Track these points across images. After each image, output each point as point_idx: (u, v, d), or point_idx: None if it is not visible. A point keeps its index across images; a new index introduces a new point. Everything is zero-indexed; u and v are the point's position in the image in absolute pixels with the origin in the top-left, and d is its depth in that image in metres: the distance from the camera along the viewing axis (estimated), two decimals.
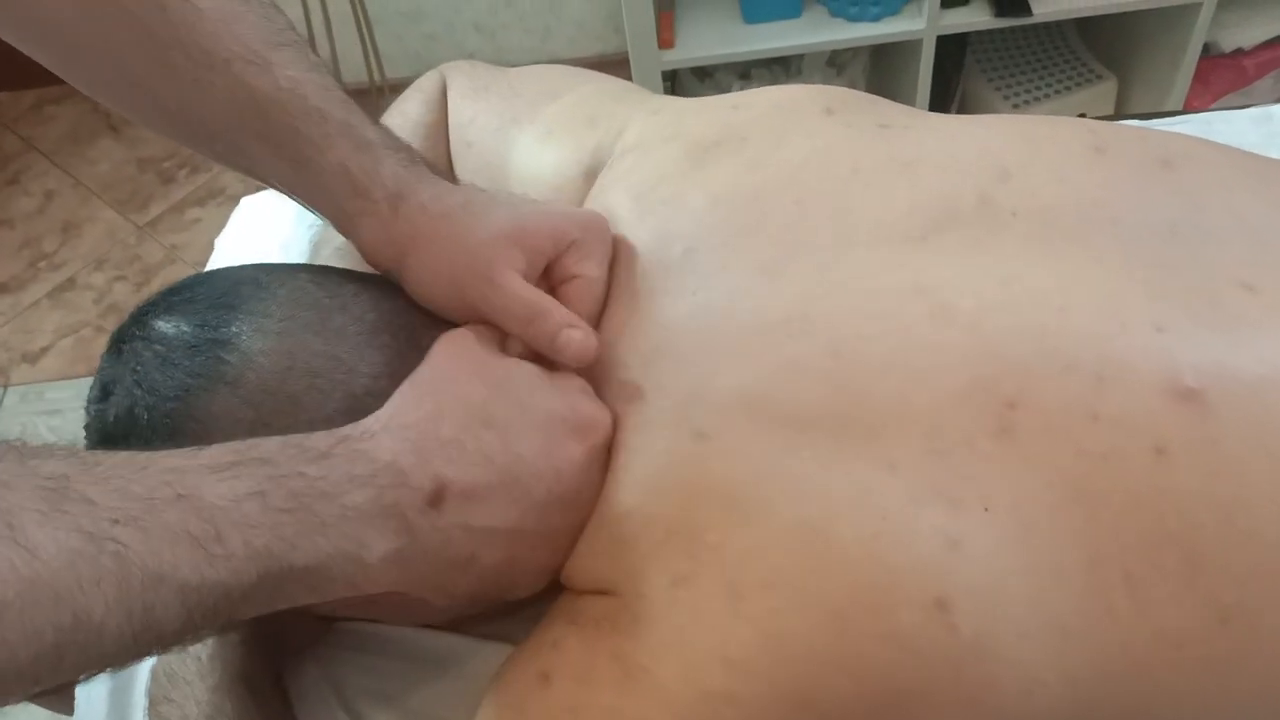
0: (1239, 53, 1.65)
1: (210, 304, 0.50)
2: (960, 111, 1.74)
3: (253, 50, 0.51)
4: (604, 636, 0.47)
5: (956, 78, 1.71)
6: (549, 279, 0.55)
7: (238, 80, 0.51)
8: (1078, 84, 1.70)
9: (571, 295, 0.55)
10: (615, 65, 1.70)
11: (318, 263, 0.68)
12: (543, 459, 0.48)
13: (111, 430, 0.49)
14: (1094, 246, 0.50)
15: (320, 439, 0.44)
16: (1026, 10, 1.48)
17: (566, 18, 1.88)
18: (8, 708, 0.34)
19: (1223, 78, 1.66)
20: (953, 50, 1.63)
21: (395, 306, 0.54)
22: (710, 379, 0.49)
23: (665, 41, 1.52)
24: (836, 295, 0.50)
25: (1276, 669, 0.45)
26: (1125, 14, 1.55)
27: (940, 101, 1.67)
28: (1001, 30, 1.70)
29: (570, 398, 0.50)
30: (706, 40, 1.54)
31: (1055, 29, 1.76)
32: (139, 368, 0.48)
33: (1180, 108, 1.59)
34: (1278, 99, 1.67)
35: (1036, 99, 1.68)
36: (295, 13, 1.54)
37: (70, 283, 1.76)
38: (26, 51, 0.51)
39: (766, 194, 0.54)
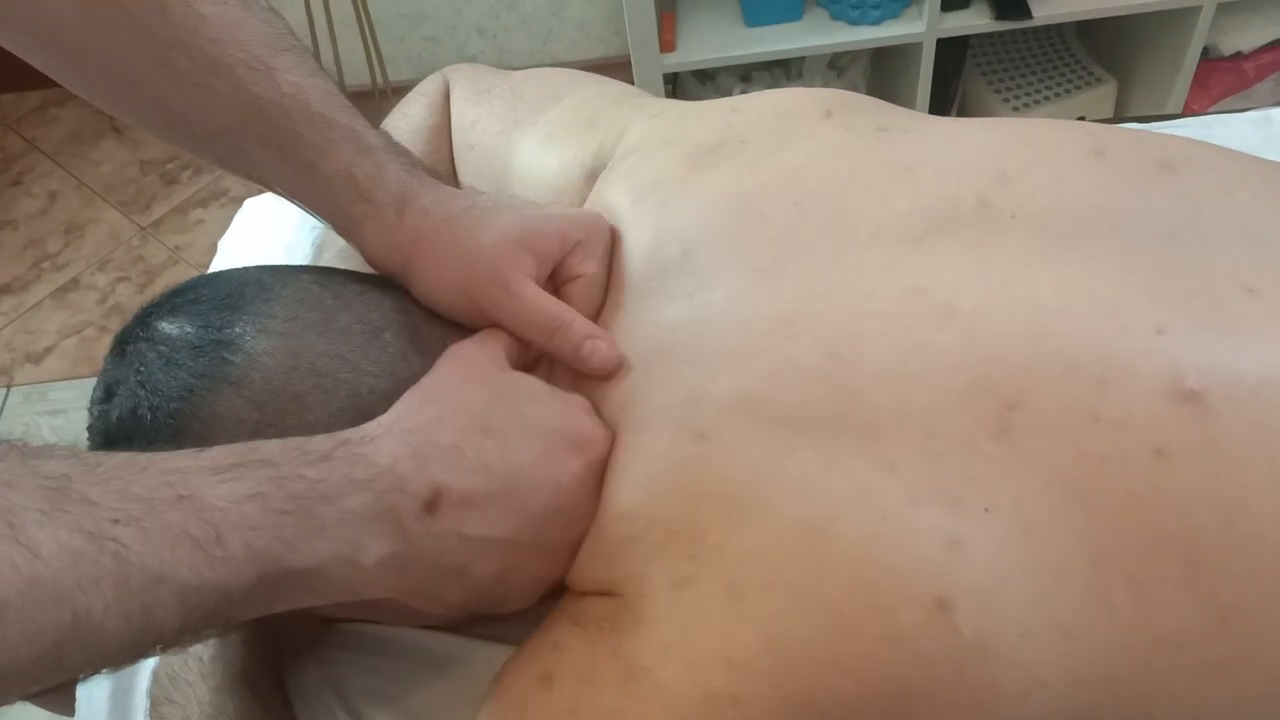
0: (1238, 56, 1.65)
1: (214, 305, 0.50)
2: (960, 114, 1.74)
3: (255, 56, 0.51)
4: (606, 637, 0.47)
5: (956, 80, 1.71)
6: (554, 280, 0.56)
7: (241, 86, 0.51)
8: (1078, 87, 1.70)
9: (575, 295, 0.55)
10: (617, 68, 1.71)
11: (321, 264, 0.68)
12: (541, 471, 0.48)
13: (115, 431, 0.49)
14: (1094, 249, 0.50)
15: (320, 442, 0.44)
16: (1026, 13, 1.48)
17: (568, 20, 1.88)
18: (7, 708, 0.34)
19: (1222, 81, 1.66)
20: (953, 53, 1.64)
21: (398, 306, 0.54)
22: (710, 380, 0.49)
23: (667, 44, 1.52)
24: (835, 296, 0.50)
25: (1276, 670, 0.45)
26: (1125, 17, 1.55)
27: (940, 104, 1.67)
28: (1001, 33, 1.71)
29: (571, 412, 0.51)
30: (708, 43, 1.54)
31: (1055, 32, 1.77)
32: (143, 368, 0.49)
33: (1180, 110, 1.60)
34: (1277, 102, 1.67)
35: (1036, 102, 1.68)
36: (298, 16, 1.55)
37: (73, 283, 1.76)
38: (24, 55, 0.51)
39: (765, 196, 0.54)
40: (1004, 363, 0.47)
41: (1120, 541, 0.44)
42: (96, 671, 0.36)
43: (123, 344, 0.50)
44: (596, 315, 0.55)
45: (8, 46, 0.51)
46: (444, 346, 0.54)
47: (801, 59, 1.64)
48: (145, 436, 0.48)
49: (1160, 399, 0.45)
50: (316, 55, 1.62)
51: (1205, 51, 1.59)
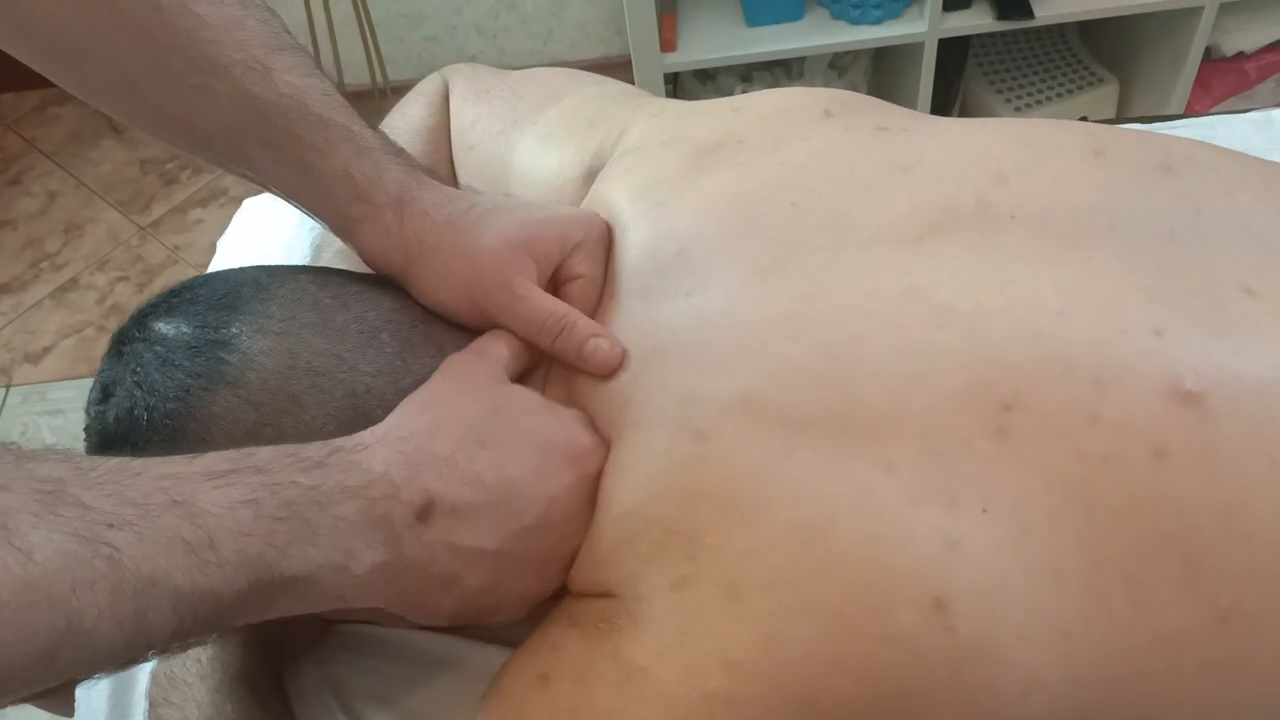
0: (1241, 56, 1.65)
1: (211, 305, 0.50)
2: (962, 114, 1.74)
3: (253, 56, 0.51)
4: (604, 638, 0.47)
5: (958, 81, 1.71)
6: (554, 280, 0.56)
7: (239, 87, 0.51)
8: (1079, 87, 1.70)
9: (574, 295, 0.56)
10: (617, 68, 1.70)
11: (320, 264, 0.68)
12: (535, 483, 0.48)
13: (112, 431, 0.49)
14: (1093, 250, 0.50)
15: (314, 449, 0.44)
16: (1028, 13, 1.48)
17: (568, 20, 1.88)
18: (7, 708, 0.34)
19: (1224, 81, 1.66)
20: (954, 53, 1.64)
21: (396, 306, 0.54)
22: (709, 379, 0.49)
23: (667, 44, 1.52)
24: (833, 296, 0.50)
25: (1275, 671, 0.45)
26: (1127, 17, 1.55)
27: (942, 104, 1.67)
28: (1003, 33, 1.71)
29: (567, 426, 0.51)
30: (708, 43, 1.54)
31: (1057, 32, 1.77)
32: (139, 369, 0.49)
33: (1182, 111, 1.60)
34: (1279, 103, 1.67)
35: (1038, 102, 1.68)
36: (298, 15, 1.55)
37: (72, 283, 1.76)
38: (21, 56, 0.51)
39: (764, 196, 0.54)
40: (1002, 363, 0.46)
41: (1119, 542, 0.44)
42: (89, 676, 0.36)
43: (119, 345, 0.50)
44: (593, 314, 0.55)
45: (4, 48, 0.51)
46: (442, 347, 0.54)
47: (802, 59, 1.64)
48: (142, 437, 0.48)
49: (1159, 400, 0.45)
50: (316, 55, 1.62)
51: (1207, 52, 1.59)
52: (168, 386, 0.48)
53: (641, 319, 0.53)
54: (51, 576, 0.33)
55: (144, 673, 0.61)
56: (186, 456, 0.40)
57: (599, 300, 0.56)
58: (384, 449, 0.45)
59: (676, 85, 1.69)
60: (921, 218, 0.52)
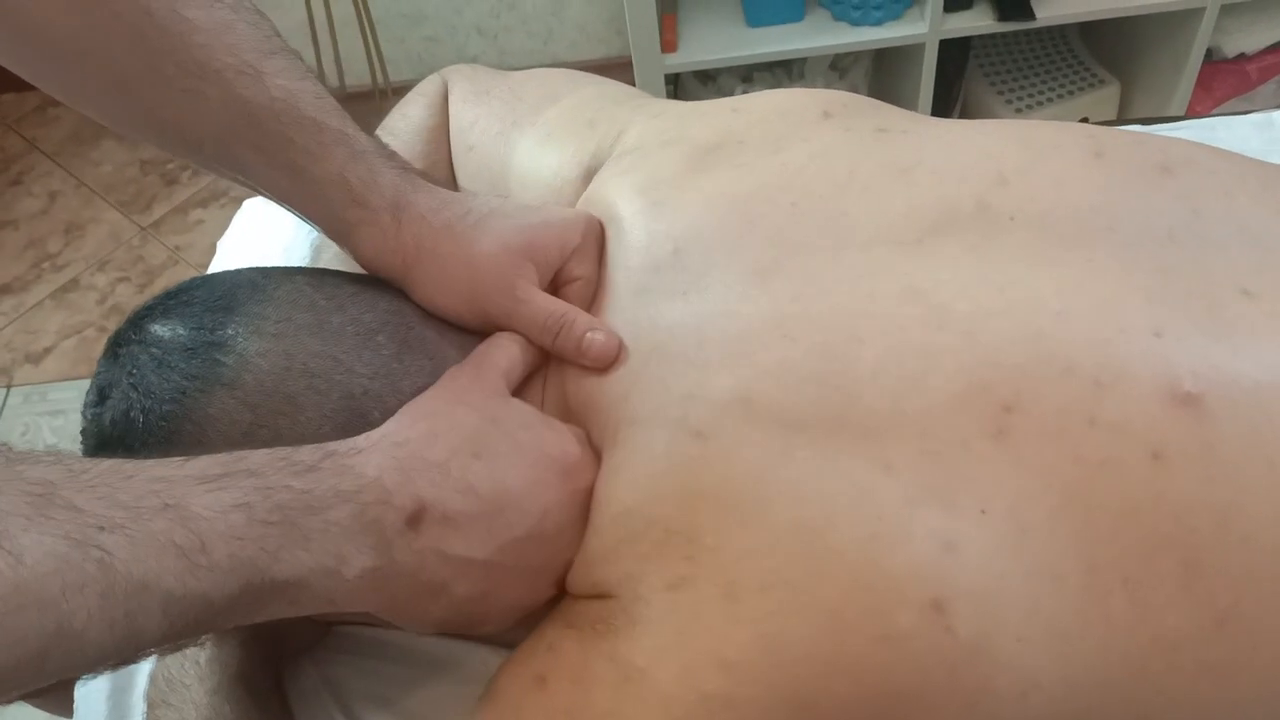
0: (1242, 58, 1.65)
1: (206, 307, 0.50)
2: (962, 115, 1.74)
3: (244, 60, 0.51)
4: (601, 639, 0.47)
5: (959, 82, 1.71)
6: (553, 284, 0.57)
7: (230, 90, 0.50)
8: (1080, 88, 1.70)
9: (573, 297, 0.56)
10: (618, 68, 1.70)
11: (320, 265, 0.68)
12: (528, 495, 0.48)
13: (108, 434, 0.49)
14: (1093, 251, 0.50)
15: (308, 452, 0.44)
16: (1029, 14, 1.48)
17: (569, 21, 1.88)
18: (7, 707, 0.34)
19: (1226, 83, 1.66)
20: (955, 54, 1.63)
21: (392, 308, 0.54)
22: (709, 378, 0.49)
23: (668, 45, 1.52)
24: (832, 297, 0.50)
25: (1273, 672, 0.45)
26: (1128, 18, 1.55)
27: (943, 105, 1.67)
28: (1004, 34, 1.71)
29: (563, 440, 0.51)
30: (709, 43, 1.54)
31: (1058, 33, 1.77)
32: (135, 371, 0.49)
33: (1183, 113, 1.59)
34: None
35: (1039, 103, 1.68)
36: (299, 15, 1.55)
37: (73, 284, 1.76)
38: (10, 62, 0.50)
39: (763, 196, 0.54)
40: (1001, 365, 0.46)
41: (1117, 544, 0.44)
42: (77, 676, 0.36)
43: (115, 347, 0.50)
44: (591, 314, 0.55)
45: None
46: (439, 349, 0.54)
47: (803, 60, 1.64)
48: (138, 439, 0.48)
49: (1157, 402, 0.45)
50: (317, 55, 1.62)
51: (1209, 53, 1.59)
52: (163, 388, 0.48)
53: (639, 318, 0.53)
54: (42, 580, 0.33)
55: (142, 674, 0.61)
56: (179, 460, 0.40)
57: (595, 300, 0.56)
58: (378, 454, 0.45)
59: (677, 86, 1.69)
60: (921, 219, 0.52)
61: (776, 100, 0.61)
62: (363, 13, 1.61)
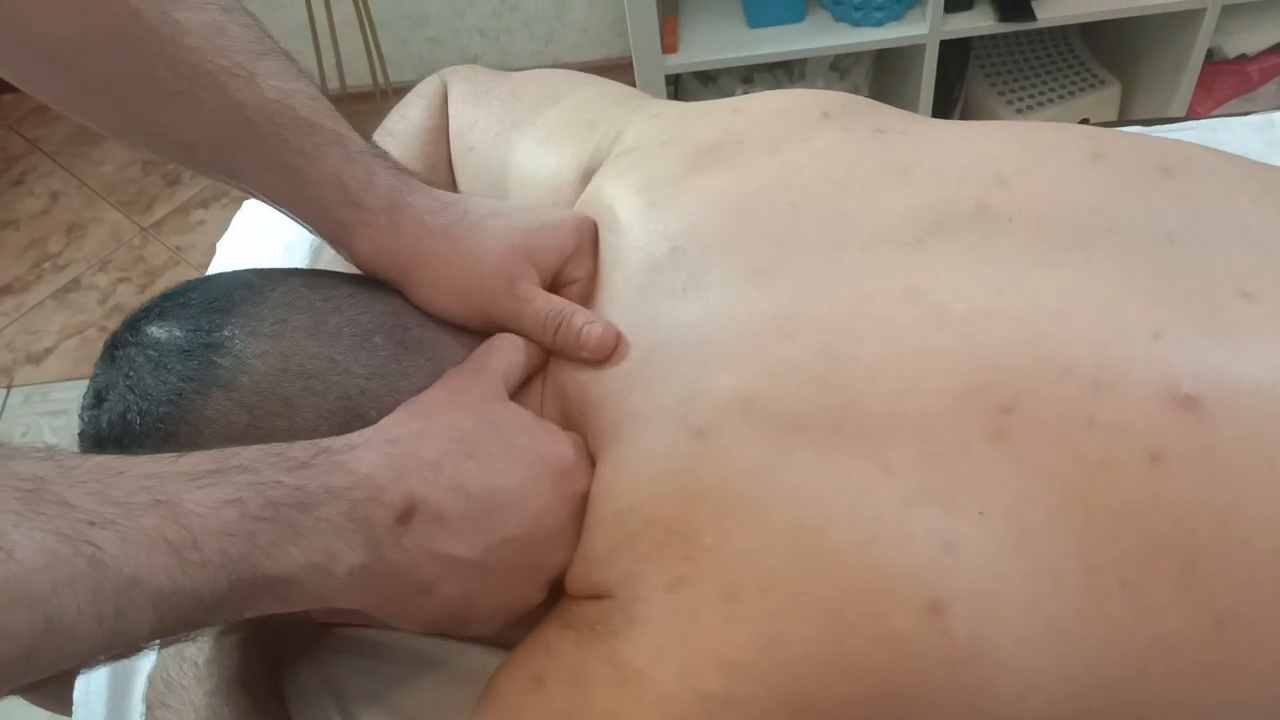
0: (1243, 59, 1.65)
1: (203, 308, 0.50)
2: (963, 116, 1.74)
3: (236, 62, 0.50)
4: (599, 639, 0.47)
5: (960, 82, 1.71)
6: (552, 286, 0.57)
7: (223, 93, 0.50)
8: (1081, 89, 1.70)
9: (572, 297, 0.56)
10: (619, 70, 1.70)
11: (320, 266, 0.68)
12: (521, 497, 0.48)
13: (105, 436, 0.49)
14: (1091, 253, 0.50)
15: (301, 449, 0.44)
16: (1030, 15, 1.48)
17: (570, 22, 1.88)
18: (9, 706, 0.34)
19: (1226, 84, 1.66)
20: (956, 55, 1.63)
21: (389, 309, 0.54)
22: (709, 377, 0.49)
23: (669, 46, 1.52)
24: (830, 297, 0.50)
25: (1272, 674, 0.45)
26: (1129, 19, 1.55)
27: (943, 106, 1.67)
28: (1005, 35, 1.71)
29: (559, 444, 0.51)
30: (710, 44, 1.54)
31: (1059, 34, 1.77)
32: (132, 373, 0.49)
33: (1184, 114, 1.59)
34: None
35: (1040, 104, 1.68)
36: (299, 16, 1.55)
37: (75, 284, 1.77)
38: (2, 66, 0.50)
39: (762, 196, 0.54)
40: (1000, 366, 0.46)
41: (1117, 545, 0.44)
42: (68, 671, 0.36)
43: (112, 349, 0.50)
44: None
45: None
46: (437, 349, 0.54)
47: (804, 61, 1.64)
48: (135, 441, 0.48)
49: (1156, 404, 0.45)
50: (317, 56, 1.62)
51: (1210, 54, 1.59)
52: (160, 390, 0.48)
53: (639, 317, 0.53)
54: (31, 575, 0.33)
55: (141, 676, 0.61)
56: (171, 456, 0.40)
57: (594, 300, 0.56)
58: (371, 451, 0.45)
59: (678, 87, 1.69)
60: (920, 220, 0.52)
61: (776, 101, 0.61)
62: (364, 14, 1.61)
